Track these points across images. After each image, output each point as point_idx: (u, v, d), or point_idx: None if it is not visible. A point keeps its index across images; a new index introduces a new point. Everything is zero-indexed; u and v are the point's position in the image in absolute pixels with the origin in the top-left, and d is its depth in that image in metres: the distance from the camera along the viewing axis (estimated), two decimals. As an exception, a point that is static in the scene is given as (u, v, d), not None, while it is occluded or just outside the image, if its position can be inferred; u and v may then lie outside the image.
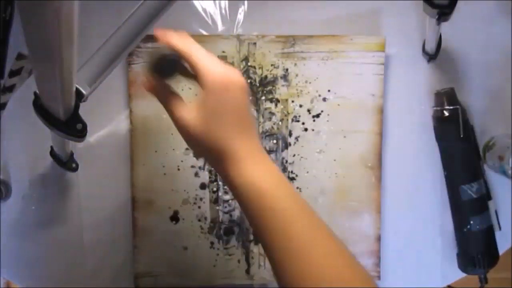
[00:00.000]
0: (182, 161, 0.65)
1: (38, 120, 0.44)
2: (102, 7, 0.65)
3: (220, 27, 0.66)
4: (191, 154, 0.64)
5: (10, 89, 0.65)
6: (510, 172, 0.63)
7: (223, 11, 0.66)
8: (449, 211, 0.67)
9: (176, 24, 0.63)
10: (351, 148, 0.65)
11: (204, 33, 0.66)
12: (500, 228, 0.67)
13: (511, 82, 0.67)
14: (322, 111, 0.65)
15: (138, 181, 0.64)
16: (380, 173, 0.66)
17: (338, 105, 0.65)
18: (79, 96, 0.45)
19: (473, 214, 0.64)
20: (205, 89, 0.41)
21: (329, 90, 0.65)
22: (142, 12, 0.47)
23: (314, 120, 0.65)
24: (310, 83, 0.65)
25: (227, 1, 0.66)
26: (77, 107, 0.45)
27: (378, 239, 0.66)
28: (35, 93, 0.42)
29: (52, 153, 0.62)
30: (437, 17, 0.53)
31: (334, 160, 0.65)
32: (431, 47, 0.63)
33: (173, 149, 0.64)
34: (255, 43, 0.64)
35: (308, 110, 0.65)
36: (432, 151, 0.67)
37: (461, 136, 0.63)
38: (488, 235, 0.65)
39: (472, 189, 0.63)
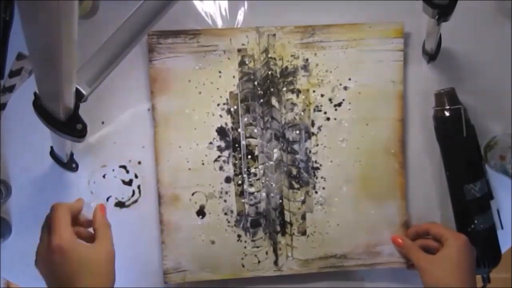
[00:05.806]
0: (206, 155, 0.65)
1: (38, 120, 0.44)
2: (102, 7, 0.65)
3: (220, 27, 0.66)
4: (215, 148, 0.65)
5: (10, 89, 0.65)
6: (511, 171, 0.63)
7: (223, 11, 0.66)
8: (449, 211, 0.67)
9: (176, 24, 0.64)
10: (374, 136, 0.66)
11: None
12: (502, 227, 0.67)
13: (511, 82, 0.67)
14: (343, 100, 0.65)
15: (163, 177, 0.64)
16: (404, 159, 0.66)
17: (359, 93, 0.65)
18: (79, 96, 0.45)
19: (477, 213, 0.64)
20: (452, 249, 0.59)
21: (349, 79, 0.65)
22: (142, 12, 0.47)
23: (336, 109, 0.65)
24: (330, 72, 0.65)
25: (227, 1, 0.66)
26: (77, 107, 0.45)
27: (404, 225, 0.66)
28: (35, 93, 0.42)
29: (52, 153, 0.62)
30: (437, 17, 0.53)
31: (358, 148, 0.66)
32: (431, 47, 0.63)
33: (197, 144, 0.64)
34: (274, 35, 0.64)
35: (330, 99, 0.65)
36: (432, 152, 0.67)
37: (464, 135, 0.63)
38: (491, 234, 0.65)
39: (476, 189, 0.63)
